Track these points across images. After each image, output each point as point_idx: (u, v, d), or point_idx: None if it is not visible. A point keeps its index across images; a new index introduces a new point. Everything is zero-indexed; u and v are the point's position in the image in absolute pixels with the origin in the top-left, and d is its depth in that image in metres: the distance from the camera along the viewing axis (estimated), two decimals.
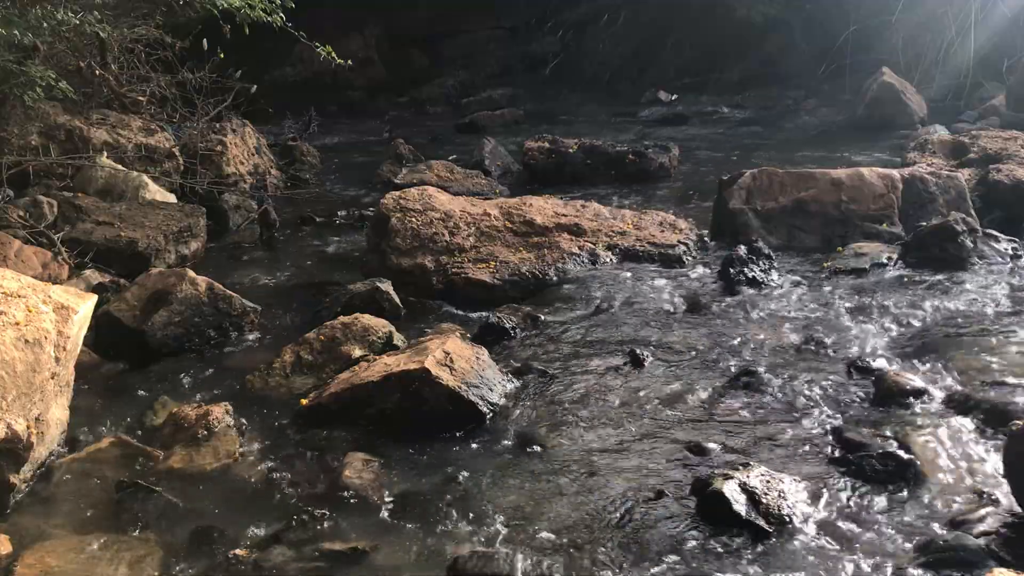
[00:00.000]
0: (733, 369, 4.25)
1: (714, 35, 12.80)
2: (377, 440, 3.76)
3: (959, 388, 3.91)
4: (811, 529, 3.04)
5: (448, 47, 14.73)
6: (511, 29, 14.84)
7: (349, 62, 7.09)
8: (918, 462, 3.33)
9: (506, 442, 3.73)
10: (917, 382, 3.93)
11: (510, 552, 2.94)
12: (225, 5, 6.36)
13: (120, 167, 6.91)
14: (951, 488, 3.24)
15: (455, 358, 3.99)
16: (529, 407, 3.99)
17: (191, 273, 4.95)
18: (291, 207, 7.82)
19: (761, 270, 5.35)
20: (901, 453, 3.36)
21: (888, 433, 3.55)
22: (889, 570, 2.83)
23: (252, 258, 6.55)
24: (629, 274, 5.56)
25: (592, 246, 5.83)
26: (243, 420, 3.97)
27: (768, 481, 3.17)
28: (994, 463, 3.31)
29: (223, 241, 6.92)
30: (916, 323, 4.67)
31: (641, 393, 4.08)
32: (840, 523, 3.07)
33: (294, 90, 12.55)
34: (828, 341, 4.49)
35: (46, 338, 3.41)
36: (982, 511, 3.07)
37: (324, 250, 6.66)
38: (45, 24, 5.82)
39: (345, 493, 3.37)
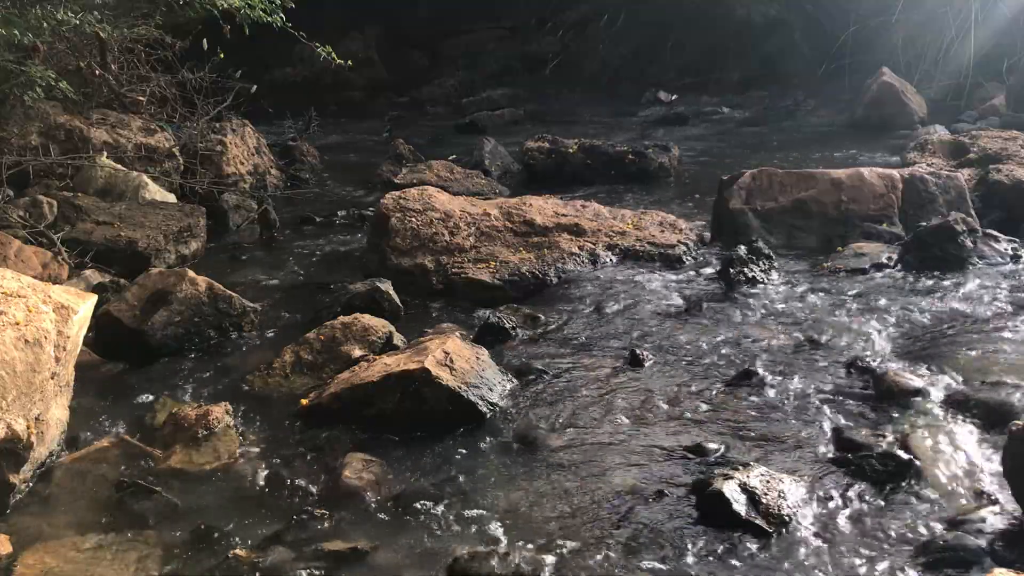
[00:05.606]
0: (733, 369, 4.25)
1: (714, 35, 12.79)
2: (377, 440, 3.76)
3: (959, 388, 3.91)
4: (811, 529, 3.04)
5: (448, 47, 14.73)
6: (511, 29, 14.84)
7: (349, 62, 7.09)
8: (918, 462, 3.32)
9: (506, 442, 3.72)
10: (917, 382, 3.93)
11: (510, 552, 2.94)
12: (225, 5, 6.36)
13: (120, 167, 6.91)
14: (951, 488, 3.24)
15: (455, 358, 3.99)
16: (529, 407, 3.99)
17: (191, 273, 4.95)
18: (291, 207, 7.81)
19: (761, 270, 5.35)
20: (901, 453, 3.36)
21: (888, 433, 3.55)
22: (889, 570, 2.83)
23: (252, 258, 6.54)
24: (629, 274, 5.56)
25: (592, 246, 5.83)
26: (243, 420, 3.97)
27: (768, 481, 3.17)
28: (994, 463, 3.31)
29: (223, 241, 6.92)
30: (916, 323, 4.66)
31: (641, 393, 4.07)
32: (840, 523, 3.07)
33: (294, 90, 12.55)
34: (828, 341, 4.49)
35: (46, 338, 3.40)
36: (982, 511, 3.07)
37: (324, 250, 6.66)
38: (45, 24, 5.83)
39: (345, 493, 3.37)
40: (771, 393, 4.00)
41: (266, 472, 3.58)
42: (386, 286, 5.16)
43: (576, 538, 3.07)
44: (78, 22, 6.05)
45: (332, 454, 3.67)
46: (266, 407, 4.13)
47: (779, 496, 3.12)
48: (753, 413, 3.86)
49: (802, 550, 2.94)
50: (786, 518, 3.06)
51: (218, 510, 3.35)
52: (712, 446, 3.58)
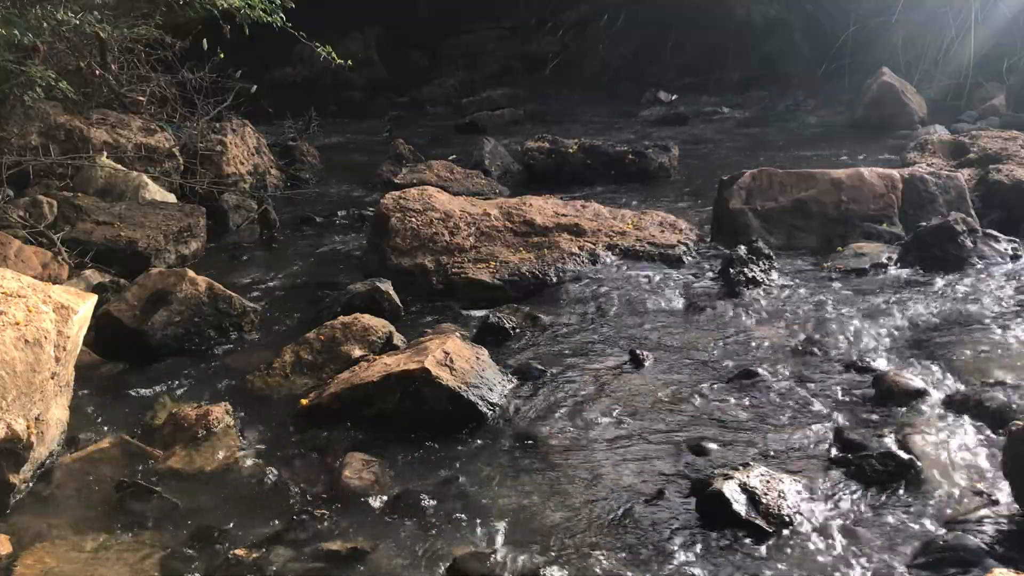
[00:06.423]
0: (733, 369, 4.25)
1: (714, 35, 12.79)
2: (377, 440, 3.76)
3: (959, 388, 3.91)
4: (811, 529, 3.04)
5: (448, 47, 14.73)
6: (511, 29, 14.84)
7: (349, 62, 7.09)
8: (918, 462, 3.32)
9: (506, 442, 3.73)
10: (917, 382, 3.93)
11: (510, 552, 2.94)
12: (225, 5, 6.37)
13: (120, 167, 6.91)
14: (951, 488, 3.24)
15: (455, 358, 3.99)
16: (529, 407, 3.99)
17: (191, 273, 4.95)
18: (291, 207, 7.82)
19: (761, 270, 5.35)
20: (901, 453, 3.36)
21: (888, 433, 3.55)
22: (889, 570, 2.83)
23: (252, 258, 6.55)
24: (629, 274, 5.56)
25: (592, 246, 5.82)
26: (243, 420, 3.97)
27: (768, 481, 3.17)
28: (994, 463, 3.31)
29: (223, 241, 6.92)
30: (916, 323, 4.66)
31: (641, 393, 4.08)
32: (840, 523, 3.07)
33: (294, 90, 12.56)
34: (828, 341, 4.49)
35: (46, 338, 3.40)
36: (982, 511, 3.07)
37: (324, 250, 6.66)
38: (45, 24, 5.84)
39: (345, 493, 3.37)
40: (771, 393, 4.00)
41: (266, 472, 3.58)
42: (386, 286, 5.16)
43: (576, 538, 3.07)
44: (78, 22, 6.05)
45: (332, 454, 3.68)
46: (266, 407, 4.13)
47: (779, 496, 3.12)
48: (753, 413, 3.86)
49: (802, 550, 2.94)
50: (786, 518, 3.06)
51: (218, 510, 3.35)
52: (712, 446, 3.58)
